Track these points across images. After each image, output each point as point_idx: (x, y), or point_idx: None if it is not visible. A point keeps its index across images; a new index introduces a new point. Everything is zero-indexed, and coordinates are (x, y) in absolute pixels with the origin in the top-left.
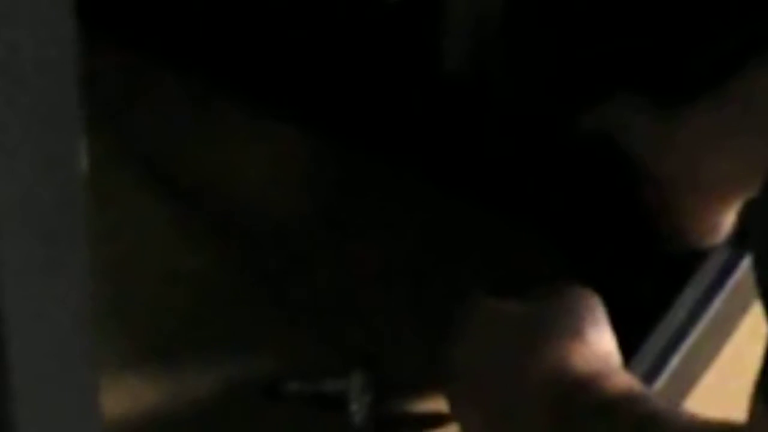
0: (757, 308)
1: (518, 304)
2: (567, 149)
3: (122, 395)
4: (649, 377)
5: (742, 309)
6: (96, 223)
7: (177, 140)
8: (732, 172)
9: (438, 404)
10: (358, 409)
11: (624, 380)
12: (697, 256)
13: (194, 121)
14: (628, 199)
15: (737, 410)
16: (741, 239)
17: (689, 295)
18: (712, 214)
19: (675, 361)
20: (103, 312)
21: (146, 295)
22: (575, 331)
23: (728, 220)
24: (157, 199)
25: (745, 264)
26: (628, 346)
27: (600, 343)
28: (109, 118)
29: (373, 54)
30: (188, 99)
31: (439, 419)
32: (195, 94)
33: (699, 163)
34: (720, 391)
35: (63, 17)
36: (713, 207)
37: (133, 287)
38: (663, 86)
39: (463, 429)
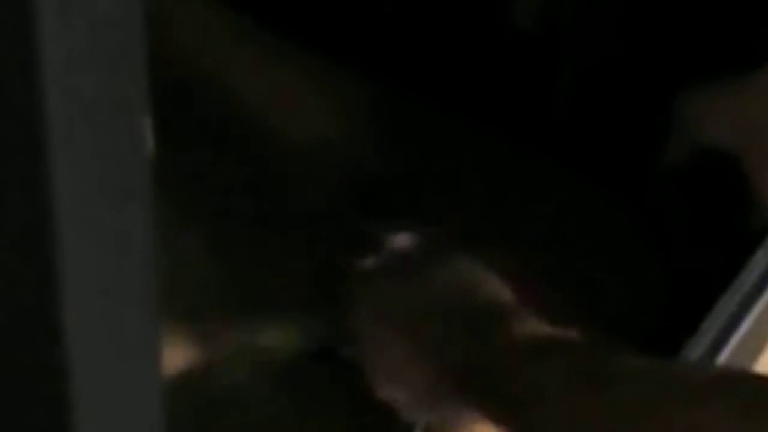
0: None
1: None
2: (644, 108)
3: None
4: (721, 339)
5: None
6: None
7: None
8: None
9: None
10: None
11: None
12: None
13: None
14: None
15: None
16: None
17: (761, 257)
18: None
19: (747, 322)
20: None
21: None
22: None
23: None
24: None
25: None
26: (702, 310)
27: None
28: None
29: (444, 9)
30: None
31: None
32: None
33: (761, 135)
34: None
35: None
36: None
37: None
38: (732, 51)
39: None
